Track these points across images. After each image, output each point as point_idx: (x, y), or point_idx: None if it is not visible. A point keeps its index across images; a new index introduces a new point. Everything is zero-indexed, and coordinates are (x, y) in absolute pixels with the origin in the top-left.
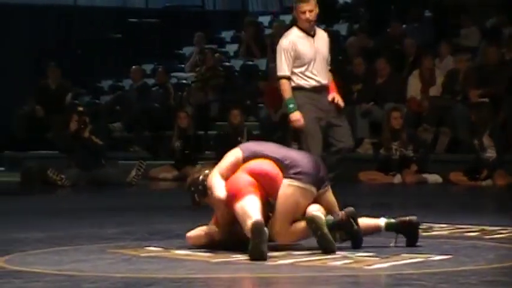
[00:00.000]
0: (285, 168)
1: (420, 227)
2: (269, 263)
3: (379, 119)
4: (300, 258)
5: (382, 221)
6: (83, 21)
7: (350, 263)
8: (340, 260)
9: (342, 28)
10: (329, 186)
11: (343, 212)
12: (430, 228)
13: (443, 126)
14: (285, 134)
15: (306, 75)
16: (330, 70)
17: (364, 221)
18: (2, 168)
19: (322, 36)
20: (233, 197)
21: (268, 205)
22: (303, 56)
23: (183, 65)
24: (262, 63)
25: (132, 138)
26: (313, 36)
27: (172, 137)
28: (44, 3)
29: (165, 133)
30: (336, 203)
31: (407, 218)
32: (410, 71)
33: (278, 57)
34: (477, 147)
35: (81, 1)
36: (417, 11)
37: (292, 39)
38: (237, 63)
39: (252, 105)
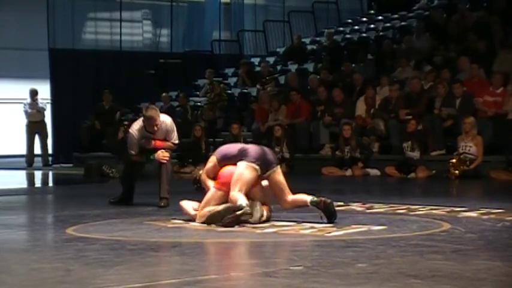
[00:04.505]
0: (240, 156)
1: (335, 205)
2: (258, 231)
3: (336, 130)
4: (280, 228)
5: (309, 198)
6: (126, 61)
7: (315, 231)
8: (309, 229)
9: (310, 66)
10: (277, 168)
11: (323, 200)
12: (371, 207)
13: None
14: (269, 140)
15: None
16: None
17: (298, 196)
18: (71, 165)
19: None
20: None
21: None
22: None
23: (198, 92)
24: (253, 91)
25: None
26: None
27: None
28: (100, 49)
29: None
30: (285, 183)
31: (323, 198)
32: (357, 97)
33: (175, 130)
34: (407, 149)
35: (125, 48)
36: (362, 55)
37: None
38: (236, 91)
39: (246, 120)
